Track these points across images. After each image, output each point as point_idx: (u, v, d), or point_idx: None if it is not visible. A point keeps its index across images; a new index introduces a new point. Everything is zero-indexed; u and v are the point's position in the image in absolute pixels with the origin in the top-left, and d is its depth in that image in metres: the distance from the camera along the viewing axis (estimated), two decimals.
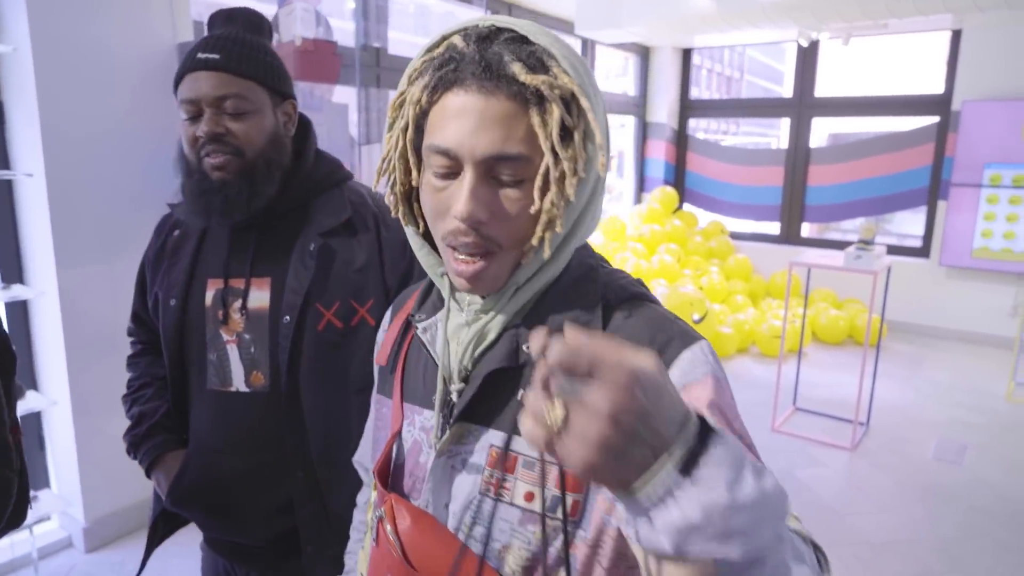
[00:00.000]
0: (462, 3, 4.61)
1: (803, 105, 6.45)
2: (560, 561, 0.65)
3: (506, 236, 0.65)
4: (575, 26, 5.22)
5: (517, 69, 0.60)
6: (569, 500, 0.64)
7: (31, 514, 2.37)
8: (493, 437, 0.69)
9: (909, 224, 6.83)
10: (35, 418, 2.68)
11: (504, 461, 0.67)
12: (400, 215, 0.73)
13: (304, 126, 1.28)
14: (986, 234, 5.50)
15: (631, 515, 0.44)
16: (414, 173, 0.68)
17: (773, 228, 6.80)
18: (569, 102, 0.62)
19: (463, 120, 0.61)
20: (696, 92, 7.62)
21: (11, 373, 1.19)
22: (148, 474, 1.28)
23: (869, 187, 6.22)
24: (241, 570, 1.30)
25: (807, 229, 6.83)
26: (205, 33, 1.20)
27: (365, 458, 0.96)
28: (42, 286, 2.49)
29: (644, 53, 6.90)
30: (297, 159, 1.23)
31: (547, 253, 0.64)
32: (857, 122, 7.02)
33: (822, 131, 7.65)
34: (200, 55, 1.11)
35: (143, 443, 1.28)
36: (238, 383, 1.19)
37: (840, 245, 6.39)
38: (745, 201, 6.87)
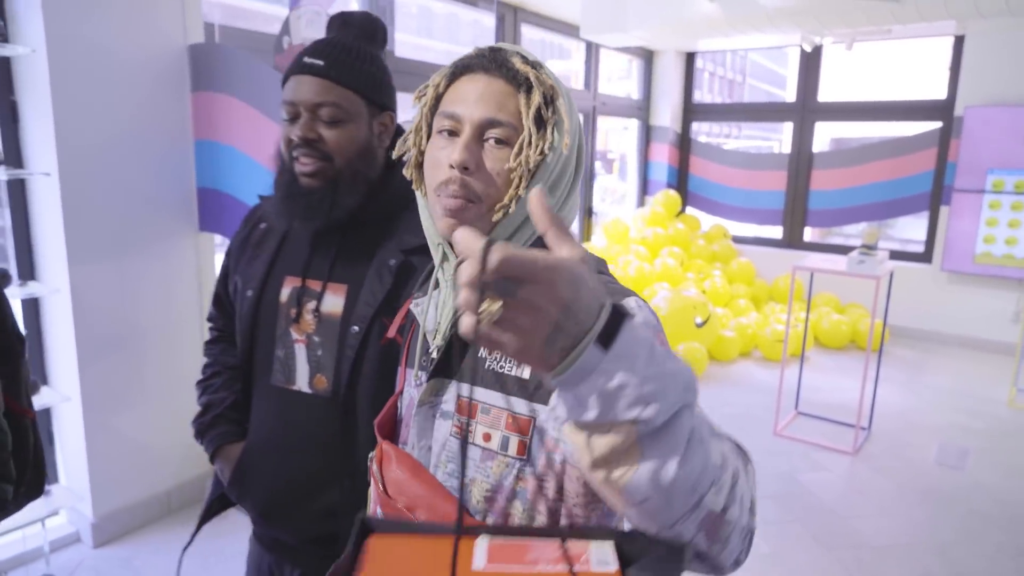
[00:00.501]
0: (468, 5, 4.64)
1: (806, 110, 6.47)
2: (514, 493, 0.79)
3: (484, 189, 0.79)
4: (580, 30, 5.24)
5: (516, 60, 0.80)
6: (516, 440, 0.78)
7: (42, 508, 2.41)
8: (461, 388, 0.83)
9: (912, 229, 6.84)
10: (45, 414, 2.71)
11: (467, 408, 0.81)
12: (415, 183, 0.88)
13: (397, 139, 1.27)
14: (988, 240, 5.51)
15: (561, 396, 0.53)
16: (424, 141, 0.85)
17: (776, 232, 6.82)
18: (548, 99, 0.80)
19: (469, 93, 0.80)
20: (699, 96, 7.65)
21: (20, 356, 1.22)
22: (212, 460, 1.32)
23: (872, 192, 6.23)
24: (284, 568, 1.30)
25: (810, 233, 6.85)
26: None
27: None
28: (55, 283, 2.52)
29: (648, 57, 6.93)
30: (390, 170, 1.24)
31: (512, 209, 0.80)
32: (860, 127, 7.04)
33: (825, 136, 7.67)
34: (306, 59, 1.14)
35: (208, 431, 1.32)
36: (302, 383, 1.21)
37: (843, 250, 6.40)
38: (748, 205, 6.89)
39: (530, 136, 0.79)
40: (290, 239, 1.26)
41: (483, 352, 0.82)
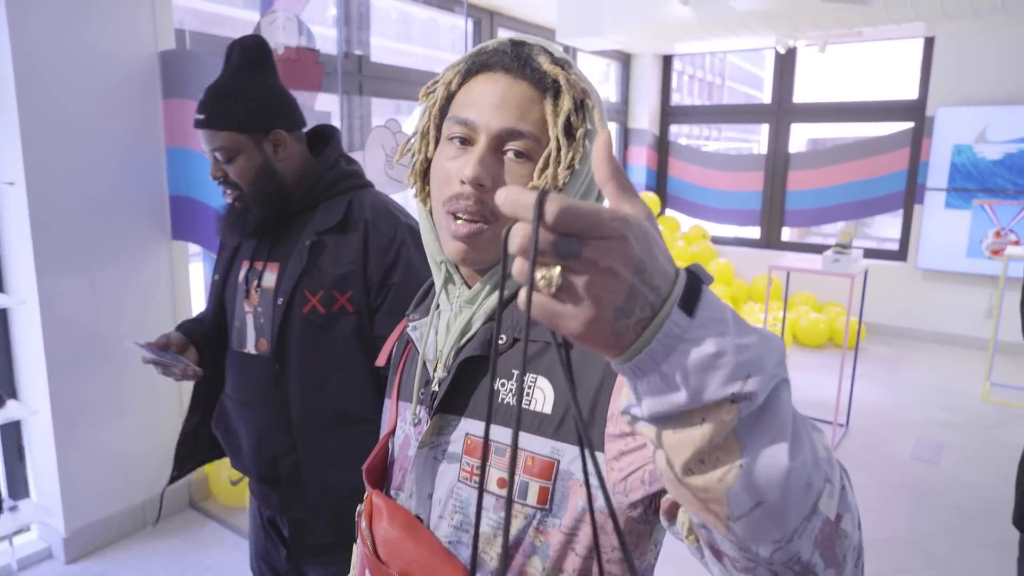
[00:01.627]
0: (444, 11, 4.63)
1: (782, 111, 6.54)
2: (532, 549, 0.67)
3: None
4: (556, 34, 5.26)
5: (543, 60, 0.70)
6: (536, 487, 0.66)
7: (11, 524, 2.36)
8: (468, 426, 0.72)
9: (888, 228, 6.93)
10: (15, 427, 2.66)
11: (478, 449, 0.70)
12: (417, 192, 0.79)
13: (324, 138, 1.51)
14: (961, 237, 5.60)
15: (636, 385, 0.43)
16: (431, 148, 0.75)
17: (754, 233, 6.87)
18: (578, 105, 0.70)
19: (487, 96, 0.69)
20: (678, 98, 7.70)
21: None
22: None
23: (847, 191, 6.31)
24: (261, 508, 1.54)
25: (787, 233, 6.91)
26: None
27: None
28: (22, 295, 2.47)
29: (625, 60, 6.97)
30: (311, 165, 1.46)
31: None
32: (835, 128, 7.13)
33: (801, 136, 7.75)
34: (196, 115, 1.36)
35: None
36: (250, 346, 1.45)
37: (820, 249, 6.46)
38: (726, 206, 6.94)
39: (558, 150, 0.68)
40: None
41: (495, 383, 0.70)
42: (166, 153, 2.77)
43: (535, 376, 0.70)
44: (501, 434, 0.70)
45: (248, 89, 1.37)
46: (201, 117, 1.35)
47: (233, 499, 2.97)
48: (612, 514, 0.45)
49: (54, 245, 2.45)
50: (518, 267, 0.39)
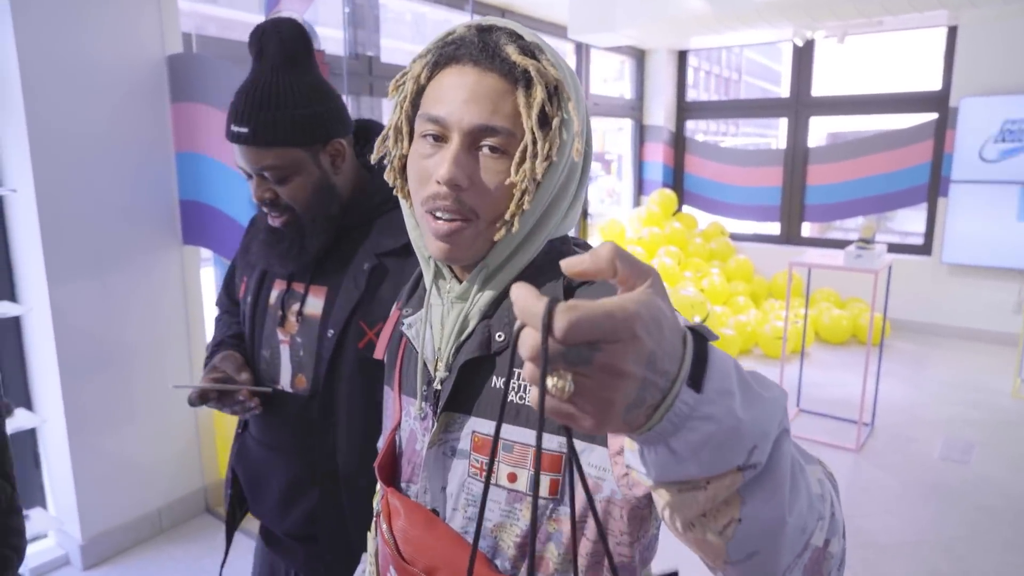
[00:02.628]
0: (456, 9, 4.60)
1: (800, 105, 6.43)
2: (547, 536, 0.70)
3: (482, 205, 0.69)
4: (568, 30, 5.21)
5: (511, 51, 0.67)
6: (547, 480, 0.69)
7: (29, 531, 2.35)
8: (474, 423, 0.73)
9: (911, 222, 6.79)
10: (30, 435, 2.67)
11: (486, 445, 0.72)
12: (398, 189, 0.78)
13: (368, 136, 1.30)
14: (988, 230, 5.46)
15: (646, 452, 0.44)
16: (405, 144, 0.74)
17: (773, 228, 6.77)
18: (552, 93, 0.68)
19: (457, 91, 0.67)
20: (693, 94, 7.62)
21: None
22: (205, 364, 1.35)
23: (869, 185, 6.19)
24: (276, 560, 1.36)
25: (808, 229, 6.80)
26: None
27: None
28: (33, 302, 2.47)
29: (639, 56, 6.89)
30: (368, 172, 1.26)
31: (515, 226, 0.69)
32: (855, 120, 7.00)
33: (820, 130, 7.63)
34: (233, 127, 1.12)
35: (210, 355, 1.35)
36: (284, 382, 1.25)
37: (841, 244, 6.35)
38: (745, 202, 6.85)
39: (533, 143, 0.67)
40: None
41: (497, 381, 0.72)
42: (175, 158, 2.76)
43: None
44: (505, 431, 0.71)
45: (299, 91, 1.13)
46: (244, 131, 1.10)
47: None
48: (596, 518, 0.46)
49: (64, 252, 2.45)
50: (529, 372, 0.39)
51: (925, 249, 5.94)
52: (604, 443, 0.66)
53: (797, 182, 6.52)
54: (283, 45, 1.13)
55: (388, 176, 0.78)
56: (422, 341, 0.78)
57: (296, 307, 1.23)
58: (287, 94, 1.12)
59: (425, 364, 0.79)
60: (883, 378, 4.45)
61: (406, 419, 0.82)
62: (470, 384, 0.74)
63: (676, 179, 7.24)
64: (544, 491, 0.69)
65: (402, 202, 0.79)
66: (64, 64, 2.38)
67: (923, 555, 2.74)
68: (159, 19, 2.65)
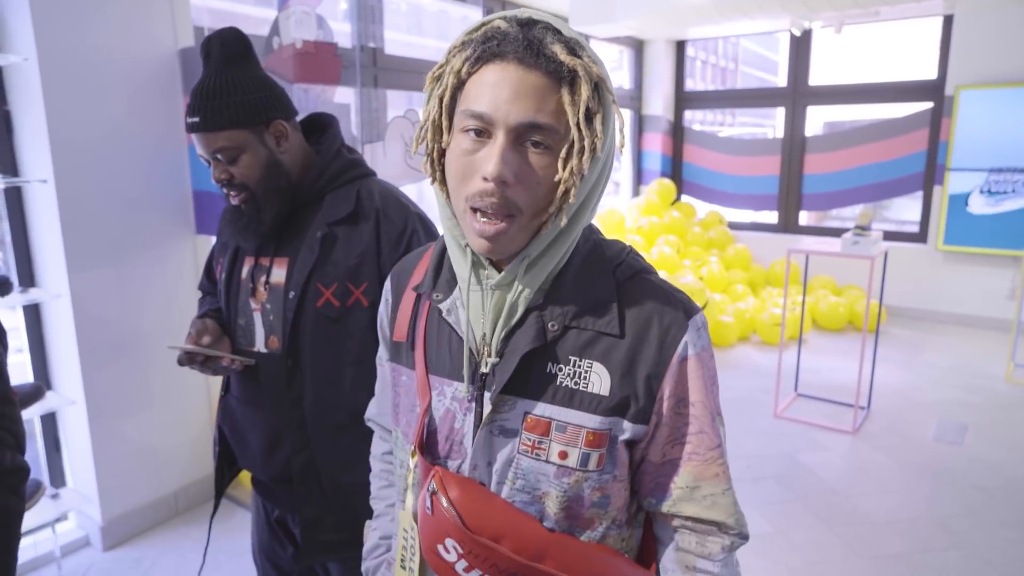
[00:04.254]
0: (457, 1, 4.64)
1: (797, 94, 6.49)
2: (593, 502, 0.79)
3: (527, 201, 0.71)
4: (568, 21, 5.25)
5: (558, 50, 0.69)
6: (596, 456, 0.77)
7: (53, 512, 2.43)
8: (528, 406, 0.78)
9: (907, 210, 6.87)
10: (51, 419, 2.74)
11: (539, 426, 0.77)
12: (435, 181, 0.79)
13: (322, 126, 1.47)
14: (981, 217, 5.54)
15: None
16: (445, 138, 0.75)
17: (771, 217, 6.84)
18: (593, 89, 0.71)
19: (501, 88, 0.68)
20: (691, 84, 7.65)
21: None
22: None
23: (865, 174, 6.25)
24: (268, 505, 1.51)
25: (805, 217, 6.86)
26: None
27: (381, 416, 1.06)
28: (55, 289, 2.54)
29: (638, 46, 6.94)
30: (317, 157, 1.41)
31: (564, 220, 0.73)
32: (852, 110, 7.06)
33: (817, 119, 7.68)
34: (188, 119, 1.30)
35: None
36: (259, 345, 1.40)
37: (838, 232, 6.42)
38: (743, 191, 6.91)
39: (580, 139, 0.70)
40: None
41: (552, 367, 0.78)
42: (188, 149, 2.82)
43: (591, 362, 0.77)
44: (560, 413, 0.77)
45: (240, 82, 1.30)
46: (196, 120, 1.27)
47: None
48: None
49: (83, 240, 2.51)
50: None
51: (920, 237, 6.01)
52: (645, 420, 0.78)
53: (794, 171, 6.59)
54: (224, 48, 1.31)
55: (424, 167, 0.79)
56: (466, 326, 0.80)
57: (264, 278, 1.38)
58: (229, 85, 1.29)
59: (471, 349, 0.81)
60: (879, 363, 4.53)
61: (439, 399, 0.84)
62: (522, 369, 0.77)
63: (675, 168, 7.30)
64: (593, 465, 0.77)
65: (438, 192, 0.80)
66: (81, 58, 2.44)
67: (918, 531, 2.83)
68: (171, 13, 2.70)
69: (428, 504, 0.82)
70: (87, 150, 2.50)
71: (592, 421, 0.76)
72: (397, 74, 4.01)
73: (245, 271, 1.41)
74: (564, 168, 0.70)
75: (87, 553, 2.70)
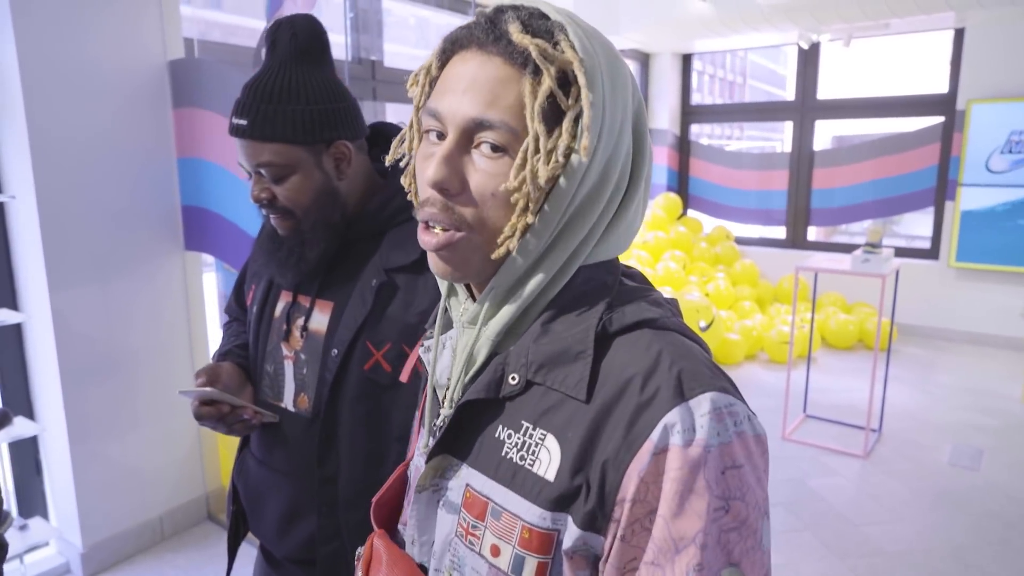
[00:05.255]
0: (457, 13, 4.59)
1: (806, 108, 6.40)
2: None
3: (476, 215, 0.59)
4: None
5: (512, 28, 0.56)
6: (533, 563, 0.57)
7: (24, 542, 2.34)
8: (470, 476, 0.63)
9: (918, 225, 6.76)
10: (31, 443, 2.65)
11: (476, 504, 0.61)
12: (412, 195, 0.68)
13: (387, 139, 1.22)
14: (995, 234, 5.42)
15: None
16: (417, 144, 0.65)
17: (779, 232, 6.74)
18: (562, 79, 0.57)
19: (458, 81, 0.58)
20: (698, 97, 7.58)
21: None
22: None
23: (875, 189, 6.16)
24: None
25: (814, 233, 6.77)
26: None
27: None
28: (34, 310, 2.46)
29: (644, 60, 6.88)
30: (382, 181, 1.19)
31: (513, 243, 0.59)
32: (861, 124, 6.98)
33: (826, 134, 7.60)
34: (233, 120, 1.07)
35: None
36: (287, 401, 1.18)
37: (848, 248, 6.32)
38: (750, 206, 6.82)
39: (536, 141, 0.56)
40: None
41: (502, 432, 0.61)
42: (177, 163, 2.76)
43: (544, 433, 0.59)
44: (498, 493, 0.60)
45: (306, 87, 1.07)
46: (243, 123, 1.05)
47: None
48: None
49: (66, 258, 2.44)
50: None
51: (932, 253, 5.89)
52: (601, 531, 0.56)
53: (803, 186, 6.49)
54: (295, 39, 1.08)
55: (405, 181, 0.69)
56: (433, 368, 0.69)
57: (301, 321, 1.15)
58: (292, 89, 1.06)
59: (435, 394, 0.69)
60: (890, 383, 4.41)
61: (417, 455, 0.73)
62: (472, 427, 0.63)
63: (681, 183, 7.22)
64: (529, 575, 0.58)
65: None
66: (65, 69, 2.38)
67: (932, 563, 2.70)
68: (161, 24, 2.64)
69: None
70: (71, 164, 2.42)
71: (530, 513, 0.57)
72: (396, 87, 3.95)
73: (280, 308, 1.19)
74: (515, 176, 0.57)
75: None
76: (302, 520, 1.17)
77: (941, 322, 5.81)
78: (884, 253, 3.71)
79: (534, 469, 0.58)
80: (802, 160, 6.47)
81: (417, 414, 0.77)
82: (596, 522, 0.55)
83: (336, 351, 1.10)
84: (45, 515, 2.70)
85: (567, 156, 0.57)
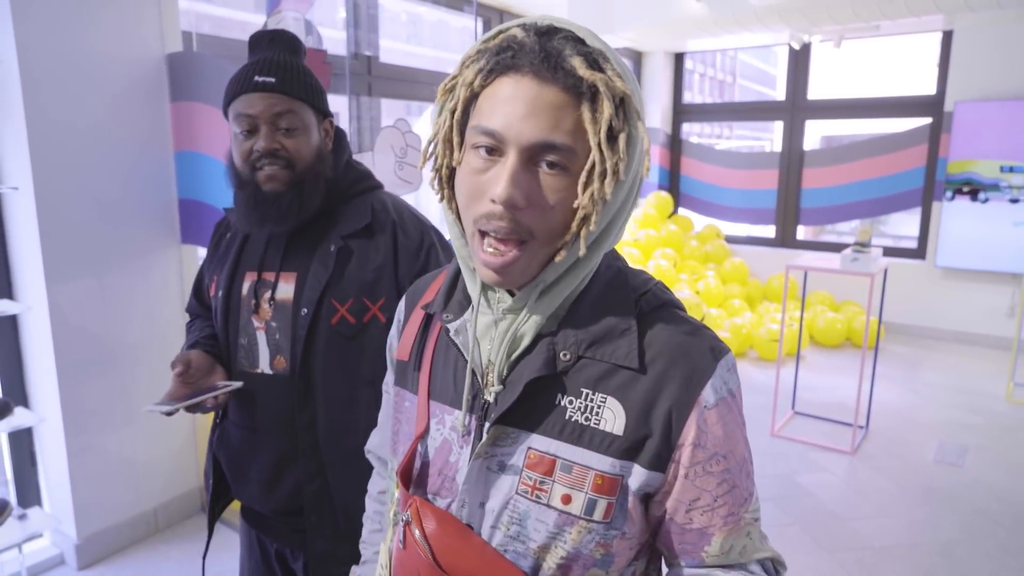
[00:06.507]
0: (453, 10, 4.60)
1: (796, 108, 6.46)
2: (594, 560, 0.70)
3: (540, 226, 0.66)
4: None
5: (577, 63, 0.62)
6: (603, 504, 0.68)
7: (20, 532, 2.34)
8: (532, 440, 0.70)
9: (905, 225, 6.83)
10: (26, 434, 2.65)
11: (542, 463, 0.69)
12: (444, 200, 0.74)
13: (338, 138, 1.39)
14: (981, 234, 5.49)
15: None
16: (455, 155, 0.69)
17: (769, 231, 6.79)
18: (617, 105, 0.64)
19: (515, 104, 0.63)
20: (689, 96, 7.63)
21: None
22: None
23: (864, 189, 6.22)
24: (265, 541, 1.41)
25: (803, 232, 6.82)
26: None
27: (381, 448, 0.99)
28: (31, 301, 2.46)
29: (636, 58, 6.91)
30: (335, 166, 1.36)
31: (583, 249, 0.66)
32: (850, 124, 7.04)
33: (815, 134, 7.66)
34: (257, 78, 1.22)
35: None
36: (263, 366, 1.30)
37: (836, 247, 6.38)
38: (740, 205, 6.87)
39: (601, 161, 0.63)
40: (249, 241, 1.36)
41: (562, 399, 0.70)
42: (174, 156, 2.75)
43: (605, 396, 0.69)
44: (566, 451, 0.69)
45: (309, 70, 1.28)
46: (270, 79, 1.20)
47: None
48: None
49: (63, 250, 2.44)
50: None
51: (919, 253, 5.97)
52: (662, 468, 0.69)
53: (792, 185, 6.55)
54: (289, 42, 1.29)
55: (433, 185, 0.73)
56: (470, 351, 0.74)
57: (268, 294, 1.29)
58: (301, 67, 1.27)
59: (474, 374, 0.74)
60: (877, 381, 4.47)
61: (438, 428, 0.77)
62: (526, 399, 0.70)
63: (672, 181, 7.26)
64: (600, 516, 0.68)
65: (447, 212, 0.74)
66: (64, 62, 2.37)
67: (919, 558, 2.75)
68: (159, 17, 2.64)
69: (401, 537, 0.76)
70: (69, 156, 2.42)
71: (602, 463, 0.68)
72: (392, 83, 3.96)
73: (246, 287, 1.32)
74: (584, 193, 0.64)
75: (61, 572, 2.61)
76: (287, 471, 1.29)
77: (928, 321, 5.89)
78: (873, 252, 3.76)
79: (600, 427, 0.69)
80: (792, 160, 6.52)
81: (422, 392, 0.80)
82: (659, 462, 0.69)
83: (306, 310, 1.25)
84: (40, 506, 2.70)
85: (623, 174, 0.65)
